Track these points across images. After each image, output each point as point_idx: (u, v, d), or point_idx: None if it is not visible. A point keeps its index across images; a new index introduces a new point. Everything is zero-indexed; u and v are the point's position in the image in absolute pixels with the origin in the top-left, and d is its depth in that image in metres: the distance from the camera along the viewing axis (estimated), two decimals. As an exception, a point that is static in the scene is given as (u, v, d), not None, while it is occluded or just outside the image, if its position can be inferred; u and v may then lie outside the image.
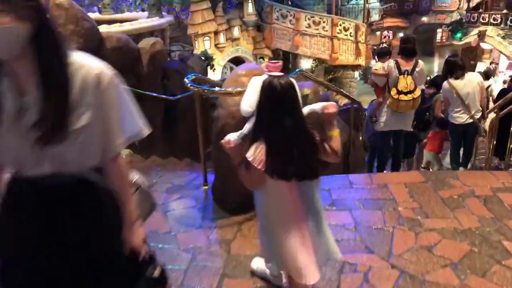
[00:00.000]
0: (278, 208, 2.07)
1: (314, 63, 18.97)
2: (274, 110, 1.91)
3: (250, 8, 17.85)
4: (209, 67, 7.82)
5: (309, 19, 17.45)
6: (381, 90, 5.06)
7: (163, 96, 6.20)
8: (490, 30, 23.56)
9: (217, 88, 4.12)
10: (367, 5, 21.03)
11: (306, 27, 17.51)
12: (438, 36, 31.73)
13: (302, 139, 1.93)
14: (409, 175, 4.77)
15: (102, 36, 5.34)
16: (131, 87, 6.03)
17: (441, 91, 5.60)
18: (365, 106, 8.83)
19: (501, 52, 23.10)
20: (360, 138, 7.35)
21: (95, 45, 5.25)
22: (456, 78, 5.21)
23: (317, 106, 2.14)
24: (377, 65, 5.16)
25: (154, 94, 6.00)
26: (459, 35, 25.81)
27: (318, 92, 4.52)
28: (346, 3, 20.56)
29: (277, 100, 1.91)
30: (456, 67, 5.28)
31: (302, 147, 1.91)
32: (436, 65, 28.49)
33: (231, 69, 20.03)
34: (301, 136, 1.92)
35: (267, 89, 1.93)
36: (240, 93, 2.79)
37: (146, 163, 5.67)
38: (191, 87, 3.68)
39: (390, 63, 4.78)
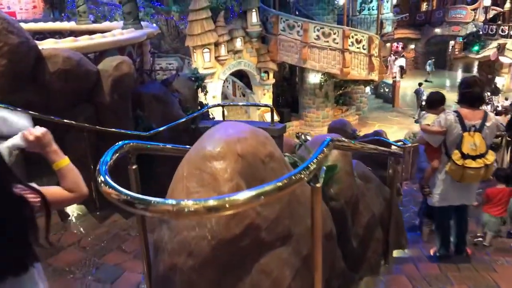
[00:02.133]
0: None
1: (323, 78, 17.46)
2: None
3: (254, 18, 16.42)
4: (199, 89, 6.26)
5: (318, 30, 15.97)
6: (435, 151, 3.66)
7: (129, 132, 4.68)
8: (511, 43, 22.03)
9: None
10: (380, 15, 19.55)
11: (315, 38, 16.04)
12: (451, 48, 30.34)
13: None
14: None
15: (41, 55, 3.84)
16: (86, 120, 4.53)
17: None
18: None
19: (523, 67, 21.53)
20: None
21: (28, 67, 3.74)
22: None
23: (16, 140, 1.72)
24: (428, 118, 4.03)
25: (116, 130, 4.47)
26: (476, 48, 24.23)
27: (348, 155, 2.95)
28: (358, 13, 19.09)
29: None
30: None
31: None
32: (448, 80, 26.93)
33: (233, 83, 18.58)
34: None
35: None
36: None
37: (102, 229, 4.12)
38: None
39: (449, 115, 3.49)
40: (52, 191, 1.66)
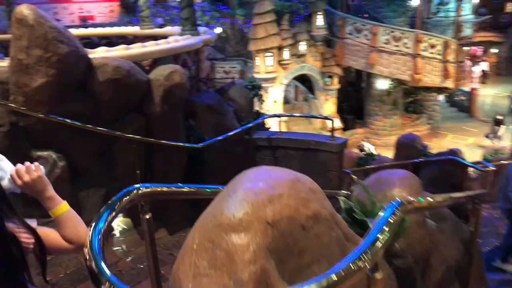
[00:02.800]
0: None
1: (392, 84, 16.41)
2: None
3: (319, 21, 15.86)
4: (256, 97, 5.95)
5: (388, 34, 15.03)
6: None
7: (180, 143, 4.46)
8: None
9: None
10: (458, 18, 18.01)
11: (384, 43, 15.11)
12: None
13: None
14: None
15: (91, 65, 3.73)
16: (135, 131, 4.38)
17: None
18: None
19: None
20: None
21: (77, 77, 3.63)
22: None
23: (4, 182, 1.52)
24: None
25: (166, 142, 4.28)
26: None
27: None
28: (432, 16, 17.73)
29: None
30: None
31: None
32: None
33: (296, 87, 18.13)
34: None
35: None
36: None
37: (143, 248, 3.92)
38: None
39: None
40: (49, 234, 1.44)
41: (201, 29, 6.57)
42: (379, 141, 16.93)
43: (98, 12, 24.88)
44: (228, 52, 19.50)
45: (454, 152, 6.20)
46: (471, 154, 14.43)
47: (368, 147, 12.29)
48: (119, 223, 4.14)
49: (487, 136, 16.05)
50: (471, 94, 20.18)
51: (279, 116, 5.84)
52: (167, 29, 7.59)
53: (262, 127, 6.51)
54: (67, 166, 3.67)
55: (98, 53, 4.06)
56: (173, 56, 5.01)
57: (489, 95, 23.45)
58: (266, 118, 5.99)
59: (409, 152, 6.99)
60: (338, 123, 16.95)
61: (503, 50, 28.45)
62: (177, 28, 7.01)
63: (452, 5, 18.24)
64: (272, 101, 15.85)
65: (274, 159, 6.00)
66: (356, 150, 12.86)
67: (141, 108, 4.25)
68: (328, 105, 17.04)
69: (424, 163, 6.67)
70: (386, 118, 17.11)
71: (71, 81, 3.59)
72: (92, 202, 3.85)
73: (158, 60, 4.65)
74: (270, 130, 6.70)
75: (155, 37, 7.44)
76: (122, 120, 4.08)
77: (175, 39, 5.07)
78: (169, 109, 4.33)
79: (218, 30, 18.18)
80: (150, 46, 4.55)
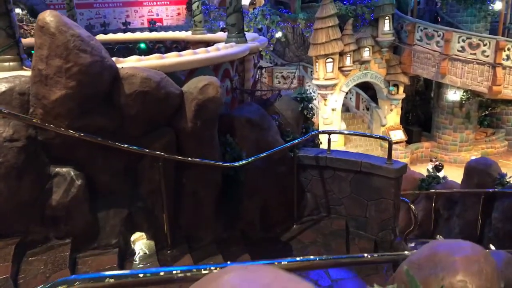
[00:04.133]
0: None
1: (465, 95, 14.92)
2: None
3: (386, 26, 14.85)
4: (305, 111, 5.42)
5: (463, 40, 13.64)
6: None
7: (211, 162, 4.06)
8: None
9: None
10: (549, 23, 15.98)
11: (458, 50, 13.75)
12: None
13: None
14: None
15: (117, 76, 3.44)
16: (164, 147, 4.02)
17: None
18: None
19: None
20: None
21: (101, 89, 3.36)
22: None
23: None
24: None
25: (197, 160, 3.90)
26: None
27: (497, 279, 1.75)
28: (518, 20, 15.91)
29: None
30: None
31: None
32: None
33: (357, 95, 17.18)
34: None
35: None
36: None
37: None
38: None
39: None
40: None
41: (250, 35, 6.16)
42: (447, 156, 15.51)
43: (166, 15, 25.70)
44: (288, 57, 19.03)
45: (539, 185, 5.19)
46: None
47: (438, 165, 11.11)
48: (141, 247, 3.83)
49: None
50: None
51: (329, 133, 5.24)
52: (219, 34, 7.28)
53: (311, 143, 5.95)
54: (86, 184, 3.41)
55: (127, 63, 3.77)
56: (214, 66, 4.63)
57: None
58: (313, 134, 5.41)
59: (482, 180, 6.04)
60: (401, 135, 15.79)
61: None
62: (222, 34, 6.67)
63: (542, 8, 16.24)
64: (330, 109, 15.12)
65: (321, 180, 5.42)
66: (423, 167, 11.75)
67: (172, 122, 3.90)
68: (391, 116, 15.94)
69: (500, 194, 5.70)
70: (457, 132, 15.61)
71: (94, 93, 3.32)
72: (112, 224, 3.57)
73: (195, 70, 4.30)
74: (320, 147, 6.11)
75: (207, 43, 7.19)
76: (150, 135, 3.76)
77: (216, 47, 4.69)
78: (202, 124, 3.95)
79: (278, 34, 17.79)
80: (186, 56, 4.20)
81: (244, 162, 4.40)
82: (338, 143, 14.84)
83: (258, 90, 6.04)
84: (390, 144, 4.98)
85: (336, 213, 5.43)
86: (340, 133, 9.59)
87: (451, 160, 15.13)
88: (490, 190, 5.88)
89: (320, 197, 5.50)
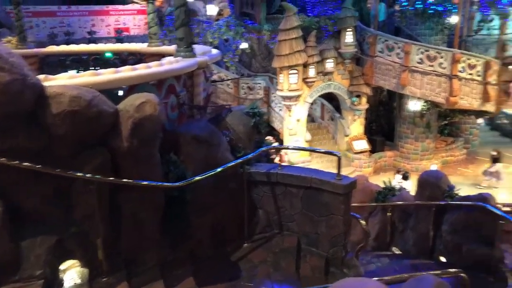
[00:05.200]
0: None
1: (425, 106, 15.31)
2: None
3: (349, 37, 15.11)
4: (258, 126, 5.33)
5: (422, 53, 14.04)
6: None
7: (153, 183, 3.90)
8: None
9: None
10: (502, 36, 16.67)
11: (417, 62, 14.13)
12: None
13: None
14: None
15: (43, 94, 3.25)
16: (98, 168, 3.76)
17: None
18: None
19: None
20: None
21: (25, 108, 3.15)
22: None
23: None
24: None
25: (130, 182, 3.73)
26: None
27: None
28: (474, 34, 16.53)
29: None
30: None
31: None
32: None
33: (323, 106, 17.34)
34: None
35: None
36: None
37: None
38: None
39: None
40: None
41: (202, 49, 6.05)
42: (409, 165, 15.83)
43: (134, 24, 25.24)
44: (255, 67, 19.05)
45: (483, 198, 5.28)
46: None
47: (399, 180, 11.28)
48: (73, 275, 3.60)
49: (484, 174, 14.21)
50: (515, 118, 18.62)
51: (280, 148, 5.16)
52: (172, 47, 7.14)
53: (264, 158, 5.87)
54: (6, 211, 3.18)
55: (58, 80, 3.58)
56: (158, 82, 4.48)
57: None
58: (264, 150, 5.33)
59: (433, 192, 6.11)
60: (365, 145, 16.02)
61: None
62: (172, 47, 6.53)
63: (496, 23, 16.93)
64: (295, 120, 15.17)
65: (273, 196, 5.33)
66: (386, 176, 11.89)
67: (107, 142, 3.72)
68: (355, 126, 16.16)
69: (450, 207, 5.78)
70: (418, 142, 15.98)
71: (15, 112, 3.11)
72: (37, 253, 3.33)
73: (135, 87, 4.14)
74: (273, 163, 6.03)
75: (162, 55, 7.02)
76: (82, 156, 3.56)
77: (160, 62, 4.55)
78: (139, 143, 3.78)
79: (244, 45, 17.80)
80: (124, 72, 4.04)
81: (184, 182, 4.27)
82: (302, 154, 14.90)
83: (208, 106, 5.92)
84: (339, 159, 4.95)
85: (288, 229, 5.34)
86: (287, 148, 9.57)
87: (413, 169, 15.42)
88: (442, 203, 5.96)
89: (272, 213, 5.40)
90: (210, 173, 4.46)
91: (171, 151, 4.47)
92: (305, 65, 14.64)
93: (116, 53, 8.51)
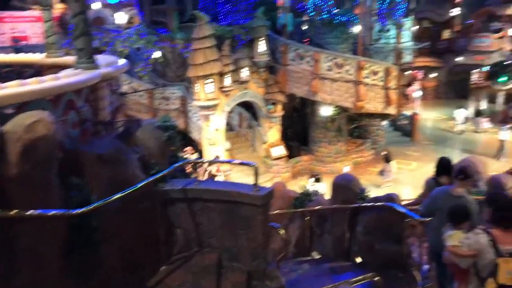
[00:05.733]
0: None
1: (336, 111, 16.18)
2: None
3: (262, 47, 15.39)
4: (171, 140, 5.07)
5: (330, 60, 14.81)
6: (464, 273, 3.39)
7: (50, 212, 3.47)
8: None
9: None
10: (398, 45, 18.30)
11: (326, 69, 14.87)
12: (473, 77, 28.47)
13: None
14: None
15: None
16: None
17: None
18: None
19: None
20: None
21: None
22: None
23: None
24: (454, 236, 3.63)
25: (24, 213, 3.28)
26: (503, 78, 22.65)
27: None
28: (374, 43, 17.88)
29: None
30: None
31: None
32: (471, 109, 25.03)
33: (240, 114, 17.43)
34: None
35: None
36: None
37: None
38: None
39: (481, 238, 3.29)
40: None
41: (107, 59, 5.63)
42: (324, 168, 16.53)
43: (33, 32, 23.12)
44: (169, 77, 18.55)
45: (390, 198, 5.62)
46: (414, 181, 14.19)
47: (316, 186, 11.66)
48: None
49: (380, 174, 15.45)
50: (413, 119, 20.48)
51: (195, 163, 4.97)
52: (71, 58, 6.58)
53: (179, 173, 5.62)
54: None
55: None
56: (54, 97, 4.04)
57: (430, 119, 24.06)
58: (178, 165, 5.09)
59: (346, 196, 6.37)
60: (282, 151, 16.41)
61: (442, 74, 29.68)
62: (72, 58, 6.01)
63: (392, 32, 18.54)
64: (214, 129, 15.03)
65: (190, 213, 5.11)
66: (304, 180, 12.23)
67: (-9, 169, 3.23)
68: (272, 132, 16.49)
69: (362, 208, 6.05)
70: (331, 145, 16.80)
71: None
72: None
73: (27, 104, 3.67)
74: (190, 178, 5.81)
75: (62, 67, 6.42)
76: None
77: (56, 76, 4.12)
78: (32, 168, 3.35)
79: (157, 54, 17.27)
80: (13, 87, 3.57)
81: (91, 206, 3.87)
82: (225, 165, 14.77)
83: (114, 121, 5.53)
84: (256, 169, 4.90)
85: (208, 246, 5.15)
86: (204, 162, 9.43)
87: (328, 171, 16.13)
88: (356, 205, 6.21)
89: (191, 231, 5.17)
90: (118, 195, 4.11)
91: (73, 173, 4.05)
92: (221, 74, 14.59)
93: (8, 65, 7.65)
